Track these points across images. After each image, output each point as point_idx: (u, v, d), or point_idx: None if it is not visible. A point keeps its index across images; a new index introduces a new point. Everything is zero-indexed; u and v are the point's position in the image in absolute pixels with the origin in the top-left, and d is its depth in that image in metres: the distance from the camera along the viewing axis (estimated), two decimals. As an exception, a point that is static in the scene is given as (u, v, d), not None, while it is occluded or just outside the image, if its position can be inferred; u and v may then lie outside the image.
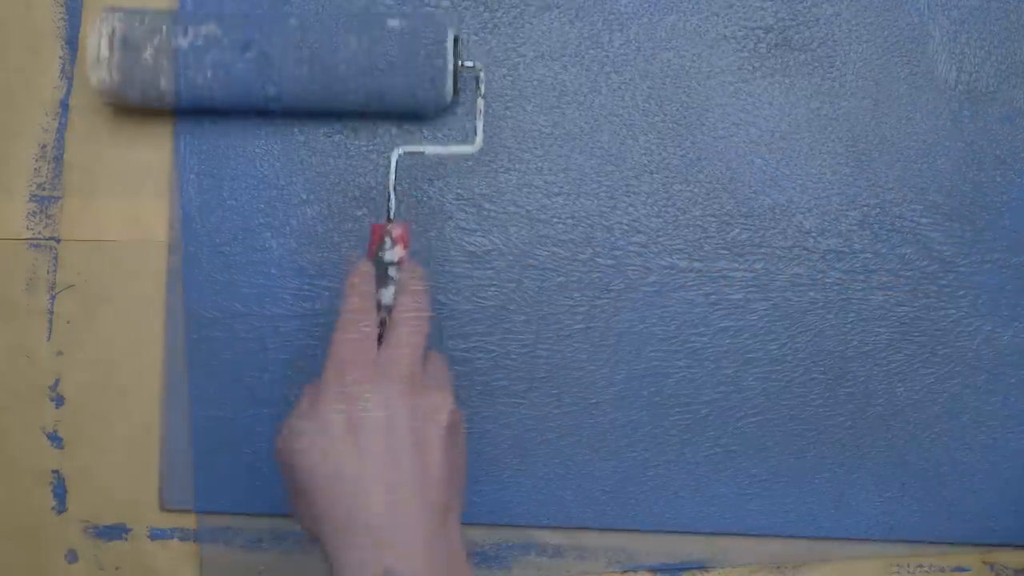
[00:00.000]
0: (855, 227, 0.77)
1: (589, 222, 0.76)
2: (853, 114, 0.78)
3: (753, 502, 0.76)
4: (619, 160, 0.76)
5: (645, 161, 0.77)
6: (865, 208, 0.77)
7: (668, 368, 0.76)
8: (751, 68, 0.78)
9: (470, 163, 0.75)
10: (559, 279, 0.76)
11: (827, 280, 0.77)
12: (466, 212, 0.75)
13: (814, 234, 0.77)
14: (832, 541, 0.76)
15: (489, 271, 0.75)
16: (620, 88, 0.77)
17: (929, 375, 0.77)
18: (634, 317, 0.76)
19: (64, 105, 0.75)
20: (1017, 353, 0.77)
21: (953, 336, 0.77)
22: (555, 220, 0.76)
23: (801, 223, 0.77)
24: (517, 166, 0.76)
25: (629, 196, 0.76)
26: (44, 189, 0.74)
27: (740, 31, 0.78)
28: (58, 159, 0.74)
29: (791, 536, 0.76)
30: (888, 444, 0.77)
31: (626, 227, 0.76)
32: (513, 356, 0.75)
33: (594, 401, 0.75)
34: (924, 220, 0.77)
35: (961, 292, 0.77)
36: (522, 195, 0.76)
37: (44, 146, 0.74)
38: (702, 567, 0.75)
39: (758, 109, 0.77)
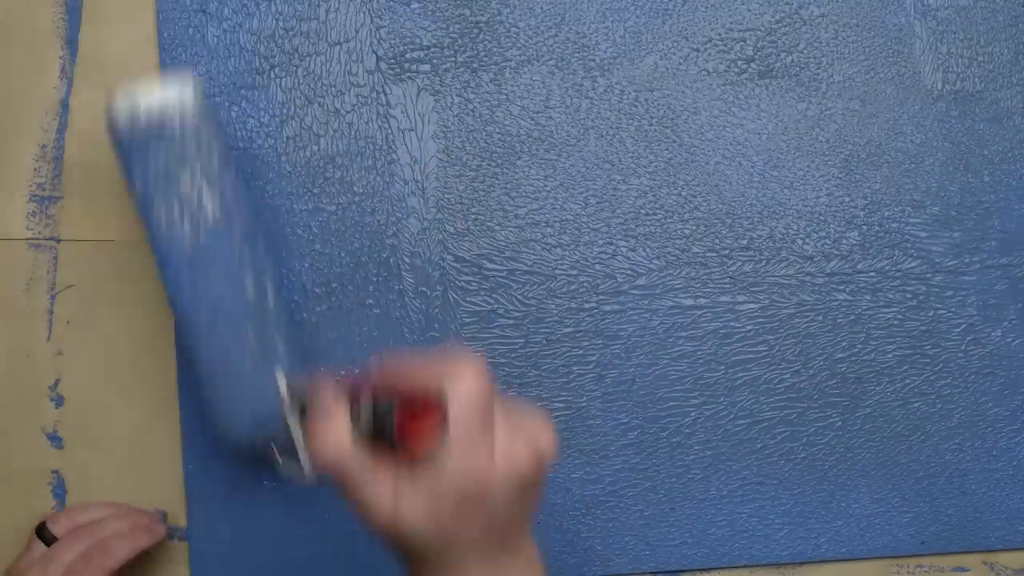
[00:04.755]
0: (856, 247, 0.78)
1: (591, 271, 0.76)
2: (842, 132, 0.79)
3: (782, 531, 0.76)
4: (614, 205, 0.77)
5: (640, 203, 0.77)
6: (864, 227, 0.78)
7: (685, 407, 0.76)
8: (736, 99, 0.79)
9: (467, 224, 0.76)
10: (567, 330, 0.76)
11: (833, 303, 0.78)
12: (467, 275, 0.76)
13: (816, 259, 0.78)
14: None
15: (495, 329, 0.76)
16: (608, 133, 0.77)
17: (946, 386, 0.78)
18: (646, 360, 0.76)
19: (64, 105, 0.75)
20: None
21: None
22: (557, 272, 0.76)
23: (802, 248, 0.77)
24: (513, 222, 0.76)
25: (627, 240, 0.77)
26: (44, 189, 0.74)
27: (722, 64, 0.79)
28: (58, 159, 0.74)
29: (823, 561, 0.76)
30: (912, 460, 0.77)
31: (628, 271, 0.77)
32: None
33: (613, 448, 0.75)
34: (922, 234, 0.78)
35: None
36: (521, 251, 0.76)
37: (44, 146, 0.74)
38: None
39: (747, 139, 0.78)
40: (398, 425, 0.50)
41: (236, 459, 0.73)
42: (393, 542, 0.52)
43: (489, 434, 0.50)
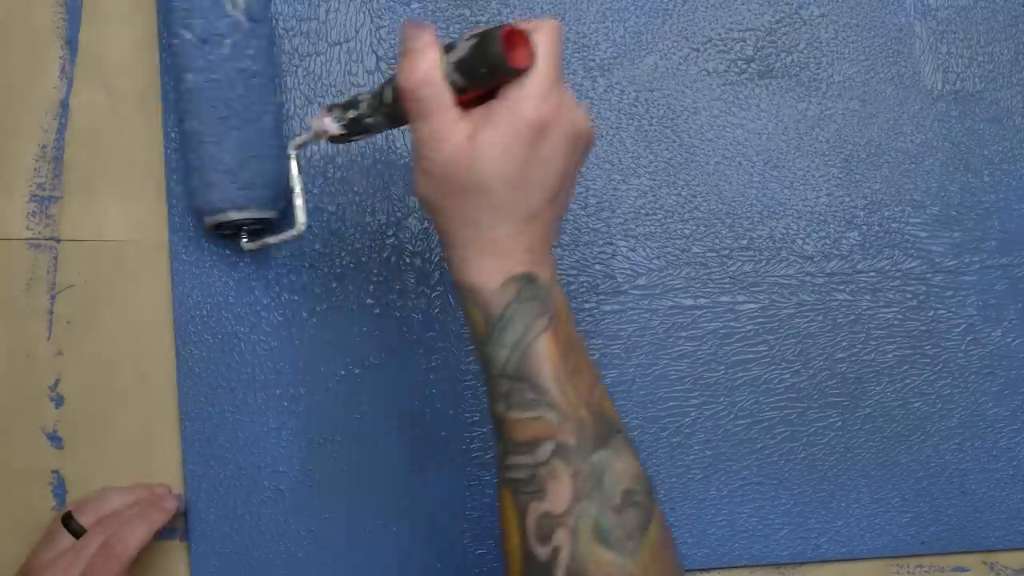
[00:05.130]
0: (856, 247, 0.78)
1: (591, 271, 0.76)
2: (842, 132, 0.79)
3: (782, 531, 0.76)
4: (614, 205, 0.77)
5: (641, 203, 0.77)
6: (864, 227, 0.78)
7: (685, 407, 0.76)
8: (736, 99, 0.79)
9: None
10: (567, 331, 0.76)
11: (833, 303, 0.77)
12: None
13: (816, 259, 0.78)
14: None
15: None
16: (608, 133, 0.77)
17: (946, 386, 0.78)
18: (646, 360, 0.76)
19: (64, 105, 0.75)
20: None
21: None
22: (557, 273, 0.76)
23: (802, 249, 0.77)
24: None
25: (627, 240, 0.77)
26: (44, 189, 0.74)
27: (722, 64, 0.79)
28: (58, 159, 0.74)
29: (823, 561, 0.76)
30: (912, 460, 0.77)
31: (628, 271, 0.76)
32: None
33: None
34: (922, 234, 0.78)
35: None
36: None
37: (44, 146, 0.74)
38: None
39: (748, 139, 0.78)
40: (500, 42, 0.52)
41: (214, 235, 0.74)
42: (455, 179, 0.54)
43: (561, 86, 0.54)
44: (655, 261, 0.76)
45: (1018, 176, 0.79)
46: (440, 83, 0.53)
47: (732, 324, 0.76)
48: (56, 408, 0.73)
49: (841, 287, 0.77)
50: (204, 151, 0.70)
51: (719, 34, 0.79)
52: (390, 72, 0.77)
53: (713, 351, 0.76)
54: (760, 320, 0.77)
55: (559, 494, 0.52)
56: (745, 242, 0.77)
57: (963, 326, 0.78)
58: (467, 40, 0.54)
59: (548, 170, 0.54)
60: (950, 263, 0.78)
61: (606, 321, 0.76)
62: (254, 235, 0.73)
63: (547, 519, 0.52)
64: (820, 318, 0.77)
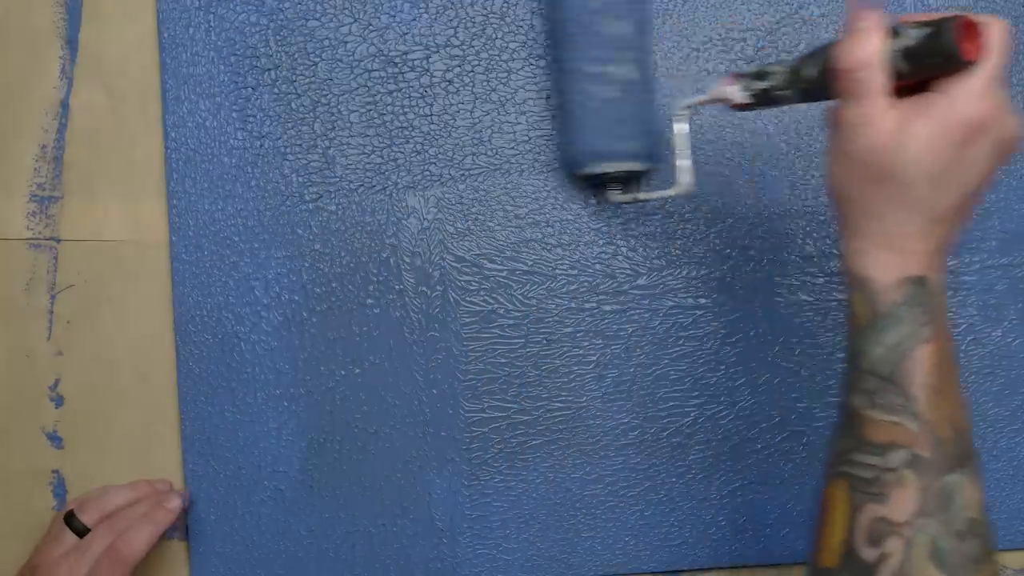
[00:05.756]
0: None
1: (591, 271, 0.76)
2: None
3: (784, 529, 0.76)
4: (615, 205, 0.76)
5: (641, 203, 0.77)
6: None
7: (685, 407, 0.76)
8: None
9: (467, 224, 0.76)
10: (567, 330, 0.76)
11: (833, 303, 0.77)
12: (467, 275, 0.76)
13: (816, 258, 0.77)
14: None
15: (495, 329, 0.76)
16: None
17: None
18: (646, 360, 0.76)
19: (64, 105, 0.75)
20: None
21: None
22: (557, 272, 0.76)
23: (802, 248, 0.77)
24: (513, 222, 0.76)
25: (628, 240, 0.76)
26: (44, 189, 0.74)
27: (721, 64, 0.78)
28: (58, 159, 0.74)
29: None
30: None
31: (629, 271, 0.76)
32: (529, 412, 0.75)
33: (614, 448, 0.75)
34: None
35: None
36: (521, 251, 0.76)
37: (44, 146, 0.74)
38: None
39: (747, 139, 0.78)
40: (955, 33, 0.51)
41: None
42: (874, 166, 0.52)
43: (1001, 88, 0.52)
44: (655, 261, 0.76)
45: (1018, 176, 0.79)
46: (879, 67, 0.52)
47: (732, 324, 0.76)
48: (56, 408, 0.74)
49: (841, 287, 0.77)
50: (586, 100, 0.71)
51: (719, 34, 0.79)
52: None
53: (714, 351, 0.76)
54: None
55: (902, 503, 0.51)
56: (746, 242, 0.77)
57: (963, 326, 0.78)
58: (915, 28, 0.52)
59: (970, 173, 0.52)
60: (950, 263, 0.78)
61: (606, 321, 0.76)
62: (625, 186, 0.73)
63: (882, 524, 0.51)
64: (820, 318, 0.77)
